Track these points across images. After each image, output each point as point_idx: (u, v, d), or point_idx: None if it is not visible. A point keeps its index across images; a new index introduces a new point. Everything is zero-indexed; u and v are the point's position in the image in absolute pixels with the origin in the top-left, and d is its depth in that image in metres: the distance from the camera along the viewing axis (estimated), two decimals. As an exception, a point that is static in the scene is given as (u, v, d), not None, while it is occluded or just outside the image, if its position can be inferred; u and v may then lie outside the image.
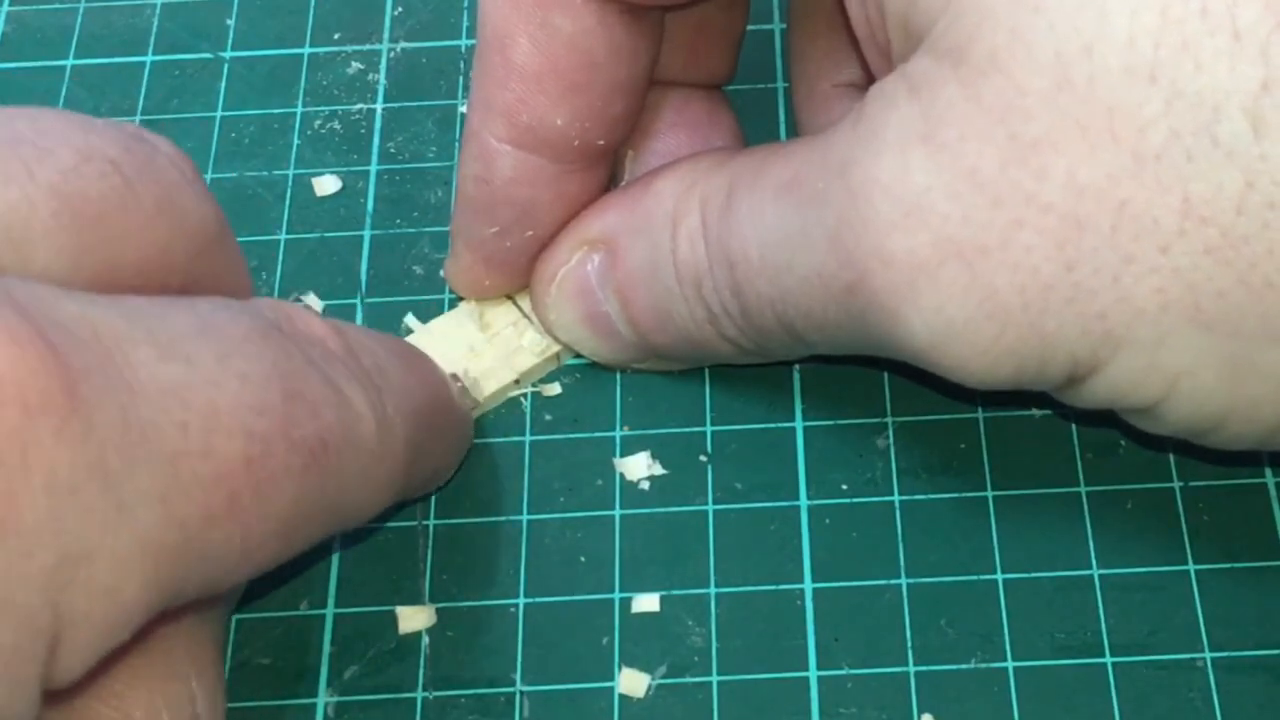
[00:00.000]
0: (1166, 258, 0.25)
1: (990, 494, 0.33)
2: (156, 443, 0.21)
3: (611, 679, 0.32)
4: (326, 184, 0.39)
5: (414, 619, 0.32)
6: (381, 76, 0.40)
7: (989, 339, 0.27)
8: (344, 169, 0.39)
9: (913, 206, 0.26)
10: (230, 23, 0.42)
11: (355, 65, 0.41)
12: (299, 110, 0.40)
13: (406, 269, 0.37)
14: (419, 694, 0.32)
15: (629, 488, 0.34)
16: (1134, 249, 0.25)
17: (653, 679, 0.32)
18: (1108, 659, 0.31)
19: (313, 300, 0.36)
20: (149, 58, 0.41)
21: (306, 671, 0.32)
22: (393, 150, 0.39)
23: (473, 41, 0.39)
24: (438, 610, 0.32)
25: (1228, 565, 0.32)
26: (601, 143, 0.32)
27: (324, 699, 0.31)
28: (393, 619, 0.32)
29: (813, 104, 0.35)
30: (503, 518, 0.34)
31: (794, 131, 0.37)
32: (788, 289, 0.29)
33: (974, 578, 0.32)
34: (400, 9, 0.42)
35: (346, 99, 0.40)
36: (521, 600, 0.33)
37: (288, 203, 0.38)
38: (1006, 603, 0.32)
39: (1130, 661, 0.31)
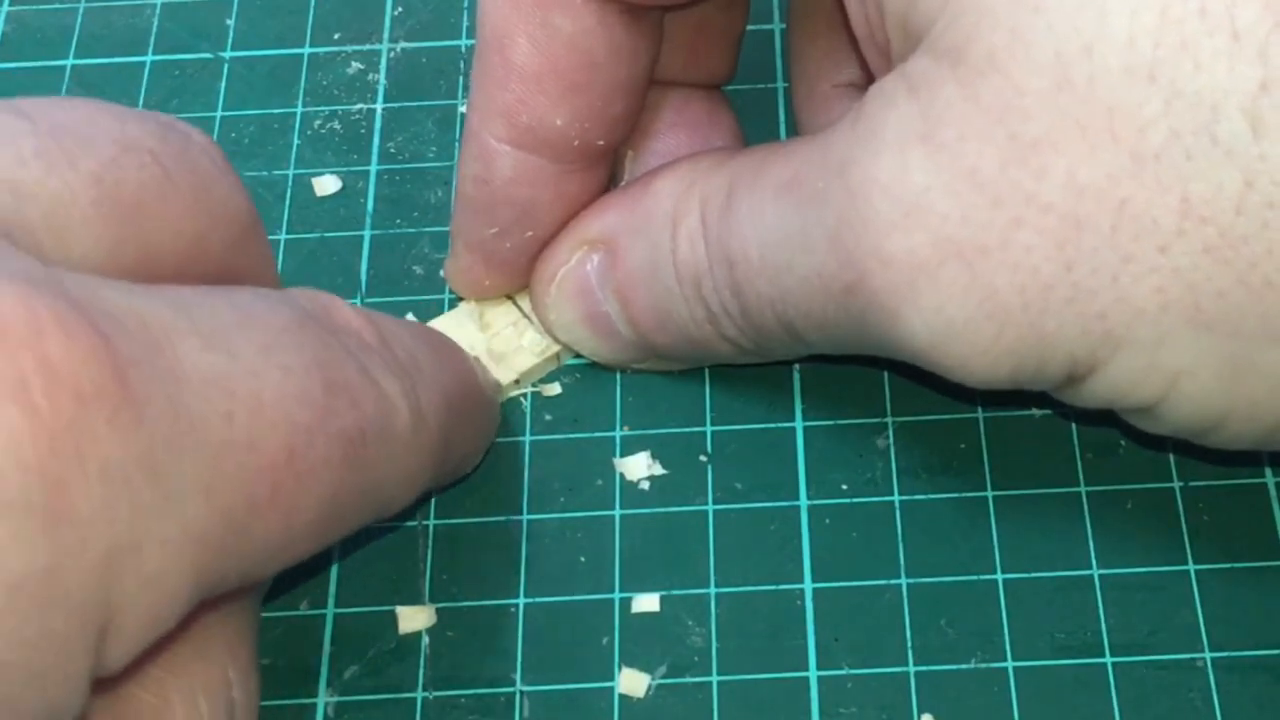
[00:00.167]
0: (1166, 257, 0.25)
1: (990, 494, 0.33)
2: (203, 433, 0.22)
3: (611, 679, 0.32)
4: (326, 184, 0.39)
5: (414, 619, 0.32)
6: (381, 76, 0.40)
7: (989, 339, 0.27)
8: (344, 169, 0.39)
9: (912, 206, 0.26)
10: (230, 23, 0.42)
11: (355, 65, 0.41)
12: (299, 110, 0.40)
13: (406, 269, 0.37)
14: (419, 694, 0.32)
15: (629, 488, 0.34)
16: (1133, 249, 0.25)
17: (653, 679, 0.32)
18: (1108, 659, 0.31)
19: (313, 300, 0.37)
20: (149, 58, 0.41)
21: (306, 671, 0.32)
22: (393, 150, 0.39)
23: (473, 41, 0.39)
24: (438, 610, 0.32)
25: (1228, 565, 0.32)
26: (601, 143, 0.32)
27: (324, 699, 0.31)
28: (393, 619, 0.32)
29: (813, 104, 0.35)
30: (503, 518, 0.34)
31: (794, 131, 0.37)
32: (787, 289, 0.29)
33: (974, 578, 0.32)
34: (400, 9, 0.42)
35: (346, 99, 0.40)
36: (521, 600, 0.33)
37: (288, 203, 0.38)
38: (1006, 603, 0.32)
39: (1130, 661, 0.31)
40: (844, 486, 0.34)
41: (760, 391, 0.35)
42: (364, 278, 0.37)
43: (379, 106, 0.40)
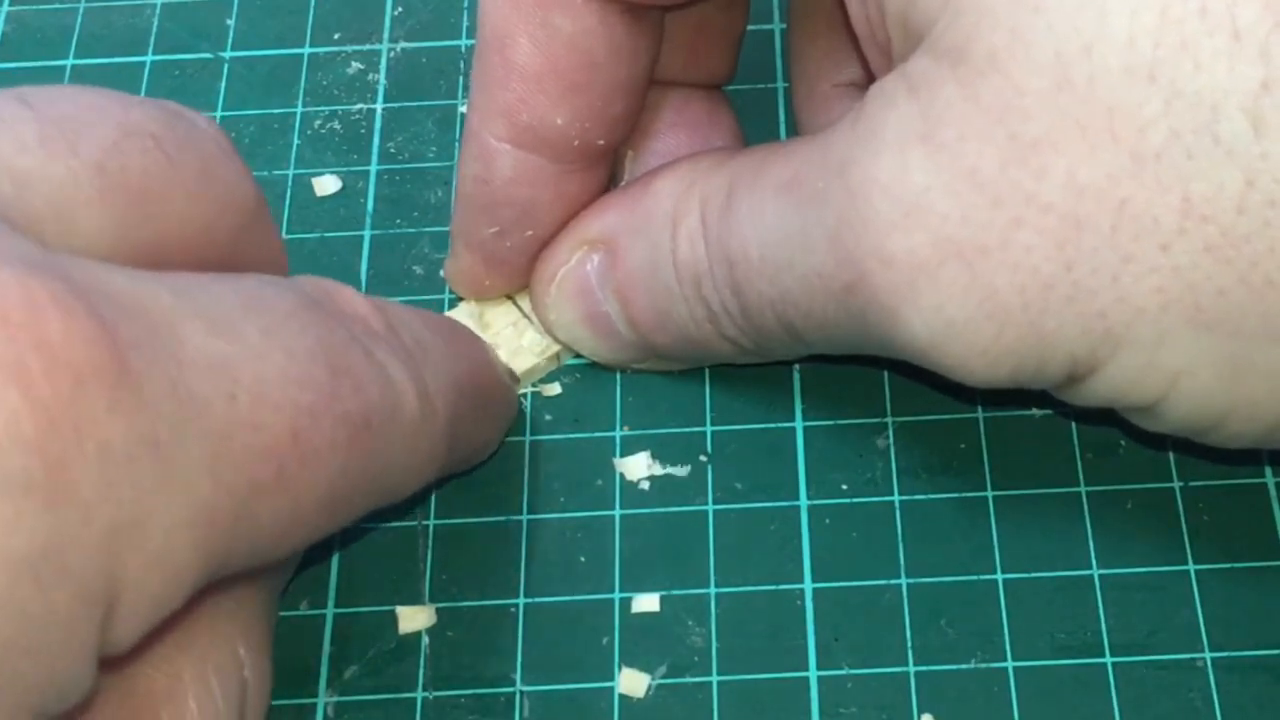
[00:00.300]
0: (1166, 257, 0.25)
1: (990, 494, 0.33)
2: (205, 415, 0.22)
3: (611, 679, 0.32)
4: (326, 184, 0.39)
5: (414, 619, 0.32)
6: (381, 76, 0.40)
7: (989, 338, 0.27)
8: (344, 169, 0.39)
9: (912, 206, 0.26)
10: (230, 23, 0.42)
11: (355, 65, 0.41)
12: (299, 110, 0.40)
13: (406, 269, 0.37)
14: (419, 694, 0.32)
15: (629, 488, 0.34)
16: (1134, 248, 0.25)
17: (653, 679, 0.32)
18: (1108, 659, 0.31)
19: (313, 300, 0.36)
20: (149, 58, 0.41)
21: (306, 671, 0.32)
22: (393, 150, 0.39)
23: (473, 41, 0.39)
24: (438, 610, 0.32)
25: (1228, 565, 0.32)
26: (601, 142, 0.32)
27: (324, 699, 0.31)
28: (393, 619, 0.32)
29: (813, 104, 0.35)
30: (503, 518, 0.34)
31: (794, 131, 0.37)
32: (787, 289, 0.29)
33: (974, 578, 0.32)
34: (400, 9, 0.42)
35: (346, 99, 0.40)
36: (521, 600, 0.33)
37: (288, 203, 0.38)
38: (1006, 603, 0.32)
39: (1130, 661, 0.31)
40: (844, 486, 0.34)
41: (760, 391, 0.35)
42: (364, 278, 0.37)
43: (379, 106, 0.40)
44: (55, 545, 0.20)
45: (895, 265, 0.27)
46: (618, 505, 0.34)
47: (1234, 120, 0.24)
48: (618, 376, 0.35)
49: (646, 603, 0.32)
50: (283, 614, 0.32)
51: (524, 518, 0.34)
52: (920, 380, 0.34)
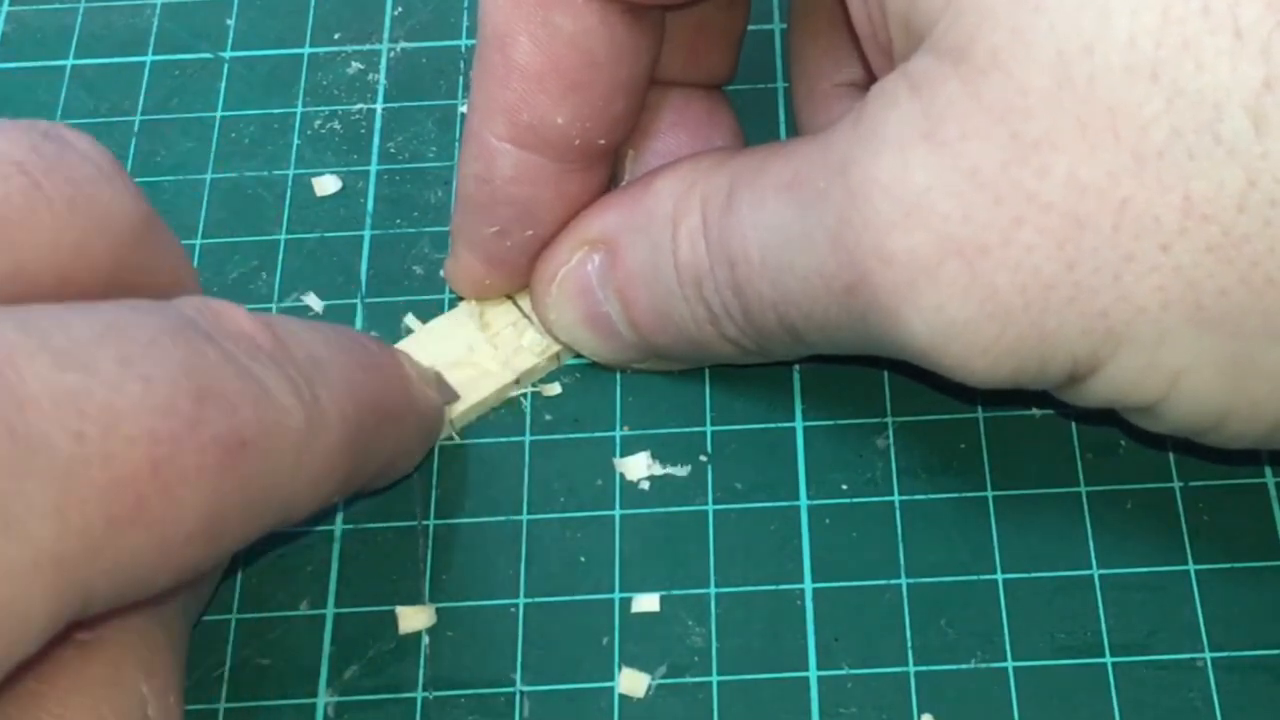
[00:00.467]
0: (1168, 256, 0.25)
1: (990, 494, 0.33)
2: (47, 455, 0.21)
3: (611, 679, 0.32)
4: (326, 184, 0.39)
5: (414, 619, 0.32)
6: (381, 76, 0.40)
7: (990, 338, 0.27)
8: (344, 169, 0.39)
9: (913, 205, 0.26)
10: (230, 23, 0.42)
11: (355, 65, 0.41)
12: (299, 110, 0.40)
13: (406, 269, 0.37)
14: (419, 694, 0.31)
15: (629, 488, 0.34)
16: (1135, 247, 0.25)
17: (653, 679, 0.32)
18: (1108, 659, 0.31)
19: (313, 300, 0.36)
20: (149, 58, 0.41)
21: (306, 671, 0.32)
22: (393, 150, 0.39)
23: (473, 41, 0.39)
24: (438, 610, 0.32)
25: (1228, 565, 0.32)
26: (602, 142, 0.32)
27: (324, 699, 0.31)
28: (393, 619, 0.32)
29: (813, 104, 0.35)
30: (503, 518, 0.34)
31: (794, 131, 0.37)
32: (788, 289, 0.29)
33: (974, 578, 0.32)
34: (400, 9, 0.42)
35: (346, 99, 0.40)
36: (521, 600, 0.33)
37: (288, 203, 0.38)
38: (1006, 603, 0.32)
39: (1130, 661, 0.31)
40: (844, 486, 0.34)
41: (760, 391, 0.35)
42: (364, 278, 0.37)
43: (379, 106, 0.40)
44: None
45: (896, 265, 0.27)
46: (618, 505, 0.34)
47: (1236, 119, 0.24)
48: (618, 376, 0.35)
49: (646, 603, 0.32)
50: (283, 614, 0.32)
51: (524, 518, 0.34)
52: (920, 380, 0.34)
